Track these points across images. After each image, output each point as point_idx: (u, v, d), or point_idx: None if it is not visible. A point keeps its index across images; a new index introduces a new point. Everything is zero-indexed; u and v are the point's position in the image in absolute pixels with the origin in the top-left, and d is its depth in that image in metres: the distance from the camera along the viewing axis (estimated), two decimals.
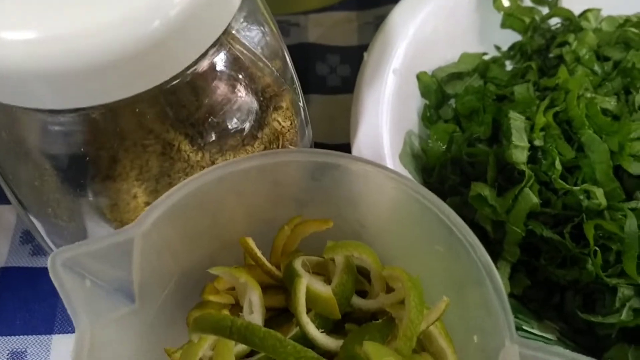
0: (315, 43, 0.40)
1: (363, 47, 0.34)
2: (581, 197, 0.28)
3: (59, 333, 0.32)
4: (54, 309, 0.32)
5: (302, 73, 0.39)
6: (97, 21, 0.19)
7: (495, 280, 0.19)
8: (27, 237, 0.34)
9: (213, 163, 0.26)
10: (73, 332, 0.19)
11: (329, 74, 0.39)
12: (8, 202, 0.35)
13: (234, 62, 0.25)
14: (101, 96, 0.21)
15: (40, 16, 0.19)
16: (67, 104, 0.21)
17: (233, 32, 0.24)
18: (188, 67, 0.22)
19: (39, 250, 0.34)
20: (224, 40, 0.24)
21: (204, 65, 0.23)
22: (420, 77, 0.34)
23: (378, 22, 0.36)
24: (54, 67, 0.19)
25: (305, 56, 0.40)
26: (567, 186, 0.28)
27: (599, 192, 0.28)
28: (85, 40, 0.19)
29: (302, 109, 0.28)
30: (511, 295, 0.28)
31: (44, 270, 0.33)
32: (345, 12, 0.42)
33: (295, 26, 0.41)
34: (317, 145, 0.38)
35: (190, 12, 0.20)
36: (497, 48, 0.37)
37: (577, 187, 0.28)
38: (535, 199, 0.27)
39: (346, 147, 0.32)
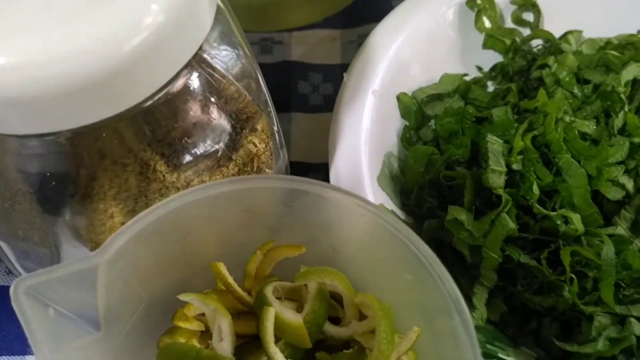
0: (298, 61, 0.40)
1: (346, 66, 0.34)
2: (558, 222, 0.28)
3: (33, 354, 0.31)
4: None
5: (285, 91, 0.39)
6: (65, 47, 0.19)
7: (463, 313, 0.19)
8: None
9: (188, 184, 0.26)
10: None
11: (312, 93, 0.39)
12: None
13: (207, 84, 0.25)
14: (69, 121, 0.20)
15: (5, 43, 0.19)
16: (34, 130, 0.20)
17: (204, 55, 0.24)
18: (159, 90, 0.22)
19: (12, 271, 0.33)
20: (196, 62, 0.23)
21: (176, 87, 0.23)
22: (400, 98, 0.34)
23: (361, 41, 0.35)
24: (19, 94, 0.19)
25: (288, 74, 0.40)
26: (545, 211, 0.28)
27: (575, 218, 0.28)
28: (52, 67, 0.19)
29: (276, 132, 0.27)
30: (488, 321, 0.28)
31: None
32: (329, 30, 0.41)
33: (278, 44, 0.41)
34: (298, 164, 0.38)
35: (159, 37, 0.20)
36: (479, 69, 0.37)
37: (555, 213, 0.28)
38: (512, 225, 0.27)
39: (326, 166, 0.32)
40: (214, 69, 0.24)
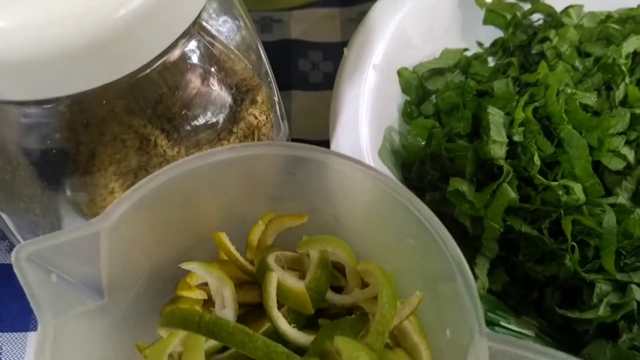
0: (298, 39, 0.40)
1: (346, 44, 0.34)
2: (560, 192, 0.28)
3: (35, 331, 0.31)
4: (31, 307, 0.32)
5: (285, 69, 0.39)
6: (61, 10, 0.19)
7: (466, 275, 0.19)
8: (3, 234, 0.34)
9: None
10: None
11: (311, 70, 0.39)
12: None
13: (206, 55, 0.25)
14: (67, 87, 0.20)
15: (2, 6, 0.19)
16: (32, 95, 0.20)
17: (204, 23, 0.24)
18: (157, 58, 0.22)
19: (14, 245, 0.33)
20: (194, 31, 0.23)
21: (174, 56, 0.23)
22: (401, 72, 0.34)
23: (361, 19, 0.35)
24: (17, 57, 0.19)
25: (288, 52, 0.40)
26: (546, 182, 0.28)
27: (577, 188, 0.28)
28: (49, 29, 0.19)
29: (277, 104, 0.27)
30: (490, 291, 0.28)
31: None
32: (328, 8, 0.41)
33: (278, 22, 0.41)
34: (299, 141, 0.37)
35: (157, 1, 0.20)
36: (480, 44, 0.37)
37: (556, 183, 0.28)
38: (513, 195, 0.27)
39: (327, 144, 0.32)
40: (214, 37, 0.24)
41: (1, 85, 0.20)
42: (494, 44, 0.36)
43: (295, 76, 0.39)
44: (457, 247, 0.20)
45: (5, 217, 0.26)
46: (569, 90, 0.30)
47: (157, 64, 0.22)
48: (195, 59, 0.24)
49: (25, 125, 0.23)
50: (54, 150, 0.24)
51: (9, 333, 0.31)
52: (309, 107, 0.38)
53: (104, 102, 0.22)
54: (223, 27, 0.25)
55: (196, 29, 0.23)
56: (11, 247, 0.33)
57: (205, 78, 0.25)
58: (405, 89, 0.34)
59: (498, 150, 0.28)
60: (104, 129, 0.24)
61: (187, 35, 0.22)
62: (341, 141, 0.31)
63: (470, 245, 0.29)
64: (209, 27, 0.24)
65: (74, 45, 0.19)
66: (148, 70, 0.22)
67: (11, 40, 0.18)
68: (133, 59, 0.20)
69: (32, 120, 0.23)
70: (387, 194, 0.22)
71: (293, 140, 0.37)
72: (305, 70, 0.39)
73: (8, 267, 0.33)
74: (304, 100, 0.38)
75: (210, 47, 0.24)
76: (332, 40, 0.40)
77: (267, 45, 0.40)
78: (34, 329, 0.31)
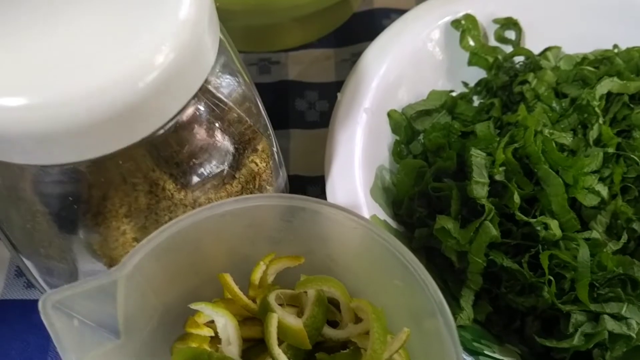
0: (295, 80, 0.43)
1: (340, 83, 0.37)
2: (539, 228, 0.30)
3: None
4: (48, 340, 0.34)
5: (283, 109, 0.42)
6: (84, 86, 0.21)
7: (446, 315, 0.21)
8: (22, 271, 0.36)
9: (195, 201, 0.28)
10: None
11: (308, 110, 0.41)
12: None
13: (212, 112, 0.27)
14: (88, 152, 0.22)
15: (31, 83, 0.21)
16: (56, 160, 0.23)
17: (209, 85, 0.26)
18: (169, 121, 0.24)
19: (34, 285, 0.36)
20: (201, 93, 0.26)
21: (184, 116, 0.26)
22: (390, 114, 0.36)
23: (354, 59, 0.38)
24: (43, 130, 0.21)
25: (286, 92, 0.42)
26: (525, 218, 0.30)
27: (553, 224, 0.30)
28: (73, 104, 0.21)
29: (275, 153, 0.30)
30: (475, 321, 0.30)
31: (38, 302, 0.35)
32: (323, 49, 0.44)
33: (276, 64, 0.43)
34: (297, 177, 0.40)
35: (170, 74, 0.22)
36: (465, 84, 0.39)
37: (535, 220, 0.30)
38: (494, 232, 0.29)
39: (323, 179, 0.34)
40: (217, 97, 0.26)
41: (28, 152, 0.22)
42: (478, 84, 0.39)
43: (293, 115, 0.41)
44: (438, 289, 0.22)
45: (27, 261, 0.28)
46: (546, 131, 0.33)
47: (170, 125, 0.24)
48: (202, 116, 0.26)
49: (45, 181, 0.25)
50: (69, 198, 0.26)
51: None
52: (307, 145, 0.40)
53: (121, 160, 0.25)
54: (225, 85, 0.28)
55: (202, 91, 0.26)
56: (28, 284, 0.36)
57: (210, 131, 0.28)
58: (394, 130, 0.36)
59: (480, 190, 0.30)
60: (116, 176, 0.26)
61: (195, 97, 0.25)
62: (336, 180, 0.33)
63: (456, 277, 0.31)
64: (213, 87, 0.26)
65: (97, 118, 0.21)
66: (162, 132, 0.24)
67: (40, 114, 0.20)
68: (149, 124, 0.23)
69: (53, 178, 0.25)
70: (376, 240, 0.24)
71: (291, 176, 0.39)
72: (303, 110, 0.41)
73: (26, 303, 0.35)
74: (301, 138, 0.40)
75: (214, 105, 0.27)
76: (327, 81, 0.42)
77: (266, 86, 0.42)
78: None
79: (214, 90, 0.26)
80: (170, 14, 0.22)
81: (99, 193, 0.26)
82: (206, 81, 0.25)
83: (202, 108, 0.26)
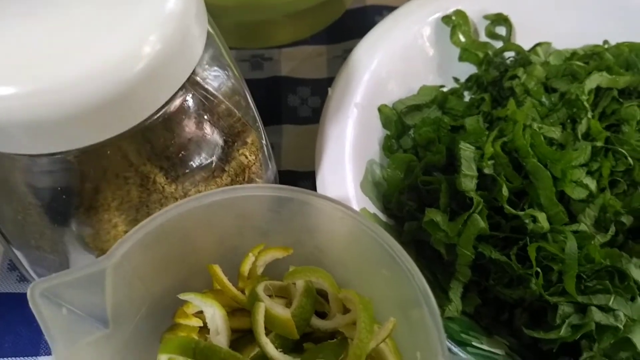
0: (288, 76, 0.43)
1: (332, 80, 0.37)
2: (527, 220, 0.30)
3: (45, 355, 0.34)
4: (40, 332, 0.34)
5: (276, 104, 0.42)
6: (71, 75, 0.21)
7: (430, 303, 0.22)
8: (14, 265, 0.36)
9: (186, 194, 0.28)
10: None
11: (301, 105, 0.42)
12: None
13: (200, 104, 0.27)
14: (77, 141, 0.23)
15: (19, 72, 0.21)
16: (45, 149, 0.23)
17: (197, 77, 0.26)
18: (157, 111, 0.24)
19: (25, 277, 0.36)
20: (190, 84, 0.26)
21: (172, 107, 0.26)
22: (381, 109, 0.36)
23: (346, 56, 0.38)
24: (32, 118, 0.21)
25: (278, 88, 0.42)
26: (514, 211, 0.31)
27: (541, 217, 0.30)
28: (60, 93, 0.21)
29: (264, 146, 0.30)
30: (464, 313, 0.30)
31: None
32: (315, 46, 0.44)
33: (269, 60, 0.44)
34: (289, 172, 0.40)
35: (157, 64, 0.22)
36: (456, 80, 0.39)
37: (523, 212, 0.30)
38: (482, 224, 0.30)
39: (314, 174, 0.34)
40: (206, 89, 0.27)
41: (17, 141, 0.22)
42: (469, 79, 0.39)
43: (285, 111, 0.41)
44: (423, 278, 0.22)
45: (18, 253, 0.28)
46: (535, 125, 0.33)
47: (157, 115, 0.24)
48: (190, 108, 0.27)
49: (35, 172, 0.26)
50: (61, 190, 0.26)
51: (21, 357, 0.33)
52: (299, 140, 0.40)
53: (110, 150, 0.25)
54: (214, 78, 0.28)
55: (191, 82, 0.26)
56: (21, 277, 0.36)
57: (199, 123, 0.28)
58: (385, 124, 0.36)
59: (469, 183, 0.31)
60: (107, 169, 0.26)
61: (183, 88, 0.25)
62: (326, 174, 0.33)
63: (445, 269, 0.31)
64: (201, 79, 0.27)
65: (86, 106, 0.21)
66: (150, 121, 0.24)
67: (28, 103, 0.21)
68: (137, 114, 0.23)
69: (43, 168, 0.25)
70: (363, 230, 0.24)
71: (283, 172, 0.39)
72: (295, 106, 0.42)
73: (18, 296, 0.35)
74: (294, 133, 0.41)
75: (203, 97, 0.27)
76: (319, 77, 0.43)
77: (258, 82, 0.43)
78: (44, 353, 0.34)
79: (202, 82, 0.26)
80: (157, 5, 0.23)
81: (90, 186, 0.27)
82: (194, 73, 0.25)
83: (190, 100, 0.26)
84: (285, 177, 0.39)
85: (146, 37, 0.22)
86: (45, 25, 0.22)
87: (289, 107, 0.42)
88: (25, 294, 0.35)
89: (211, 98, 0.27)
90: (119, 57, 0.22)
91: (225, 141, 0.29)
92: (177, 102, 0.25)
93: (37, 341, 0.34)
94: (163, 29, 0.22)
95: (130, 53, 0.22)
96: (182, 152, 0.28)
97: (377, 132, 0.36)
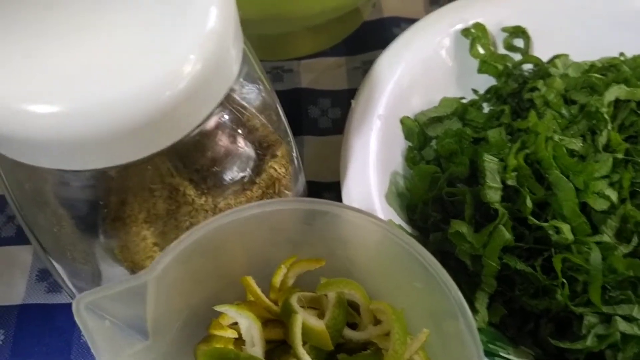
0: (308, 88, 0.43)
1: (352, 91, 0.38)
2: (550, 232, 0.31)
3: None
4: (69, 344, 0.34)
5: (296, 116, 0.42)
6: (113, 95, 0.21)
7: (467, 316, 0.22)
8: (43, 276, 0.37)
9: (216, 206, 0.29)
10: None
11: (321, 117, 0.42)
12: (23, 242, 0.38)
13: (234, 119, 0.28)
14: (118, 159, 0.23)
15: (62, 91, 0.21)
16: (86, 166, 0.23)
17: (233, 94, 0.27)
18: (195, 128, 0.25)
19: (54, 288, 0.36)
20: (226, 100, 0.26)
21: (208, 124, 0.26)
22: (403, 121, 0.37)
23: (365, 67, 0.39)
24: (75, 137, 0.21)
25: (299, 100, 0.43)
26: (538, 223, 0.31)
27: (565, 228, 0.30)
28: (103, 112, 0.21)
29: (295, 158, 0.30)
30: (489, 323, 0.31)
31: (59, 306, 0.36)
32: (335, 57, 0.45)
33: (289, 72, 0.44)
34: (311, 183, 0.41)
35: (197, 83, 0.23)
36: (475, 91, 0.40)
37: (547, 224, 0.31)
38: (508, 235, 0.30)
39: (337, 185, 0.35)
40: (240, 105, 0.27)
41: (56, 158, 0.23)
42: (488, 91, 0.40)
43: (306, 122, 0.42)
44: (459, 291, 0.23)
45: (57, 265, 0.29)
46: (556, 137, 0.33)
47: (195, 132, 0.25)
48: (225, 123, 0.27)
49: (71, 185, 0.26)
50: (94, 204, 0.27)
51: None
52: (320, 151, 0.41)
53: (148, 167, 0.25)
54: (247, 93, 0.29)
55: (227, 98, 0.26)
56: (50, 288, 0.36)
57: (232, 138, 0.29)
58: (407, 136, 0.37)
59: (493, 195, 0.31)
60: (139, 183, 0.27)
61: (220, 105, 0.26)
62: (351, 186, 0.34)
63: (470, 280, 0.32)
64: (236, 95, 0.27)
65: (126, 125, 0.22)
66: (186, 139, 0.25)
67: (70, 122, 0.21)
68: (176, 132, 0.23)
69: (78, 182, 0.26)
70: (395, 242, 0.25)
71: (307, 182, 0.40)
72: (315, 117, 0.42)
73: (47, 307, 0.36)
74: (314, 144, 0.41)
75: (237, 112, 0.28)
76: (339, 88, 0.43)
77: (279, 94, 0.43)
78: None
79: (237, 98, 0.27)
80: (197, 25, 0.23)
81: (118, 199, 0.27)
82: (230, 89, 0.26)
83: (225, 116, 0.27)
84: (308, 187, 0.39)
85: (187, 56, 0.23)
86: (89, 46, 0.22)
87: (309, 118, 0.42)
88: (54, 305, 0.36)
89: (245, 113, 0.28)
90: (161, 77, 0.22)
91: (256, 154, 0.30)
92: (213, 118, 0.26)
93: (66, 353, 0.34)
94: (203, 49, 0.23)
95: (172, 73, 0.22)
96: (215, 166, 0.29)
97: (400, 143, 0.37)
